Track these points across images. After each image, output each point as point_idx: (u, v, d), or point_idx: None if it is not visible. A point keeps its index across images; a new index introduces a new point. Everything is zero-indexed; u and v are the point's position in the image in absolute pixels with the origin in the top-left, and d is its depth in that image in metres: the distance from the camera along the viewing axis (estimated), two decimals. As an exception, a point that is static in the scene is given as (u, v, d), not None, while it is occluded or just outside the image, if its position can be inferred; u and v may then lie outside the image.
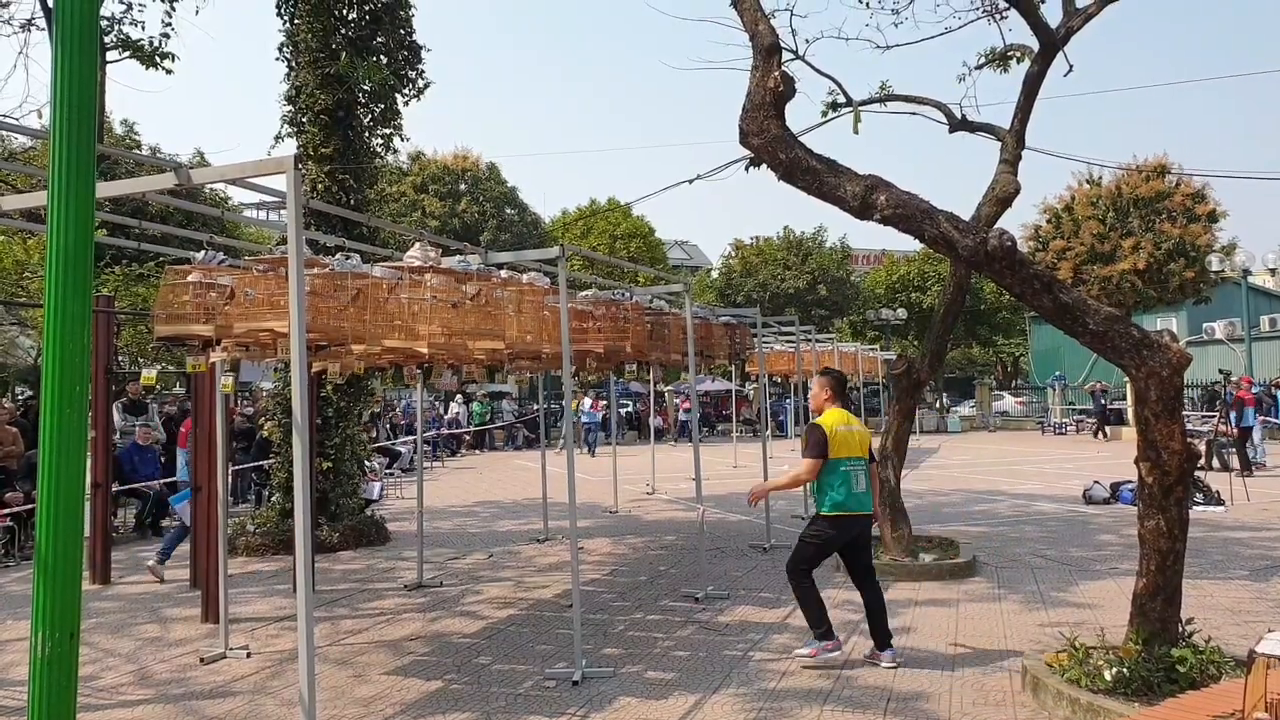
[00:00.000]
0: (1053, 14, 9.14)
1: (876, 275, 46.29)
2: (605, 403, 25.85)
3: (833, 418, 6.26)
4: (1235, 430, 16.78)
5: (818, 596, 6.23)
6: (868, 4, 11.21)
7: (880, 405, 29.74)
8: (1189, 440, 5.37)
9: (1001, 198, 9.20)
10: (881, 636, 6.21)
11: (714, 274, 48.33)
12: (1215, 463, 16.61)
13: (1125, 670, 5.09)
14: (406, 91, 12.29)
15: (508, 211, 39.61)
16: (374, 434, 19.82)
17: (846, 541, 6.25)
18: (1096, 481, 14.19)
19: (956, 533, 10.69)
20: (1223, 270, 25.35)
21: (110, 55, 16.14)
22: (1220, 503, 12.88)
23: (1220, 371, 18.36)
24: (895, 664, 6.08)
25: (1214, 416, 18.38)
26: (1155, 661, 5.09)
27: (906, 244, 53.28)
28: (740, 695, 5.63)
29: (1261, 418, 18.80)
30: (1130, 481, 12.87)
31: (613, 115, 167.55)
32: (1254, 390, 19.46)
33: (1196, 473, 8.62)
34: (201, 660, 6.59)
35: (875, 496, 6.36)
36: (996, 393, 41.34)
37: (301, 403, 4.34)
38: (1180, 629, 5.42)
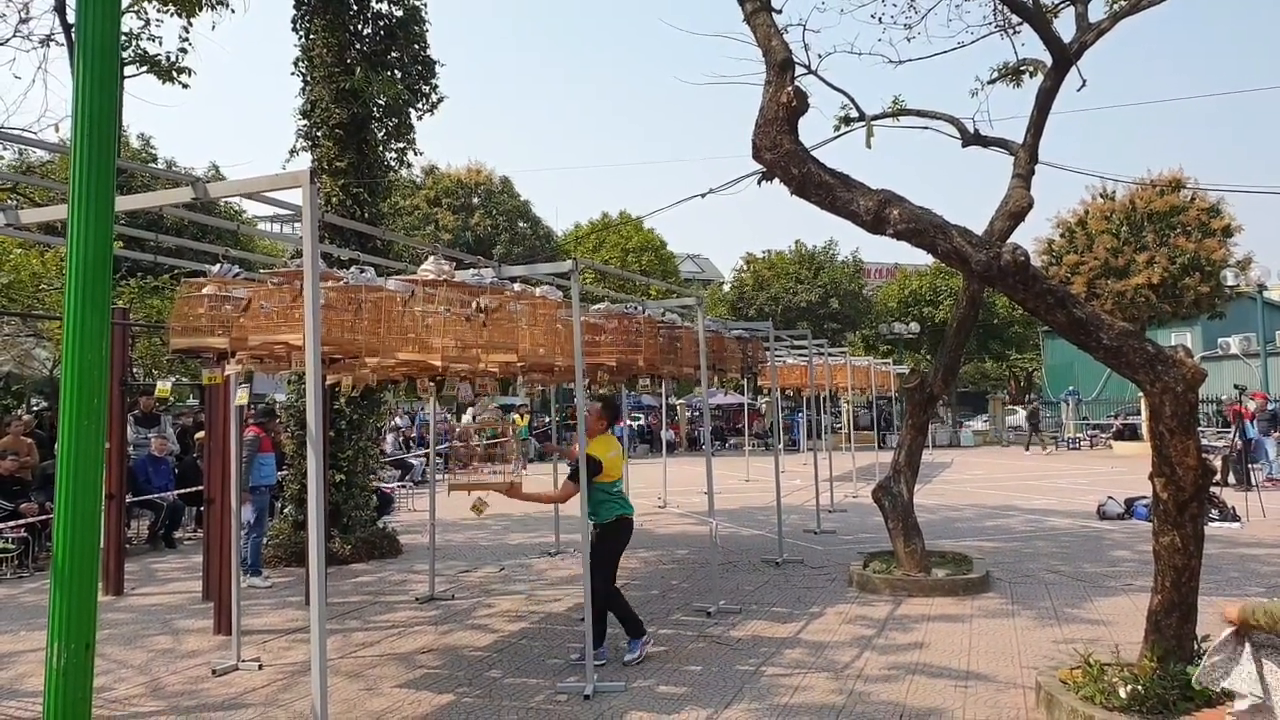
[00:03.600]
0: (1066, 29, 9.14)
1: (889, 289, 46.20)
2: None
3: (604, 445, 6.98)
4: (1240, 444, 16.70)
5: (625, 600, 6.96)
6: (880, 19, 11.23)
7: (893, 420, 29.64)
8: (1204, 456, 5.34)
9: (1014, 212, 9.19)
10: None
11: (726, 287, 48.32)
12: (1230, 479, 16.49)
13: (1140, 687, 5.05)
14: (420, 106, 12.38)
15: (520, 225, 39.74)
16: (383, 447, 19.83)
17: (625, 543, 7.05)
18: (1110, 497, 14.10)
19: (970, 548, 10.65)
20: (1238, 285, 25.24)
21: (127, 70, 16.30)
22: (1236, 519, 12.78)
23: (1235, 387, 18.24)
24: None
25: (1229, 432, 18.26)
26: (1171, 679, 5.05)
27: (919, 258, 53.25)
28: (753, 710, 5.61)
29: (1277, 434, 18.67)
30: (1144, 497, 12.79)
31: (625, 129, 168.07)
32: (1270, 406, 19.33)
33: (1212, 489, 8.55)
34: (214, 672, 6.61)
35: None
36: (1009, 407, 41.16)
37: (315, 415, 4.36)
38: (1196, 646, 5.37)
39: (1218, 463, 15.83)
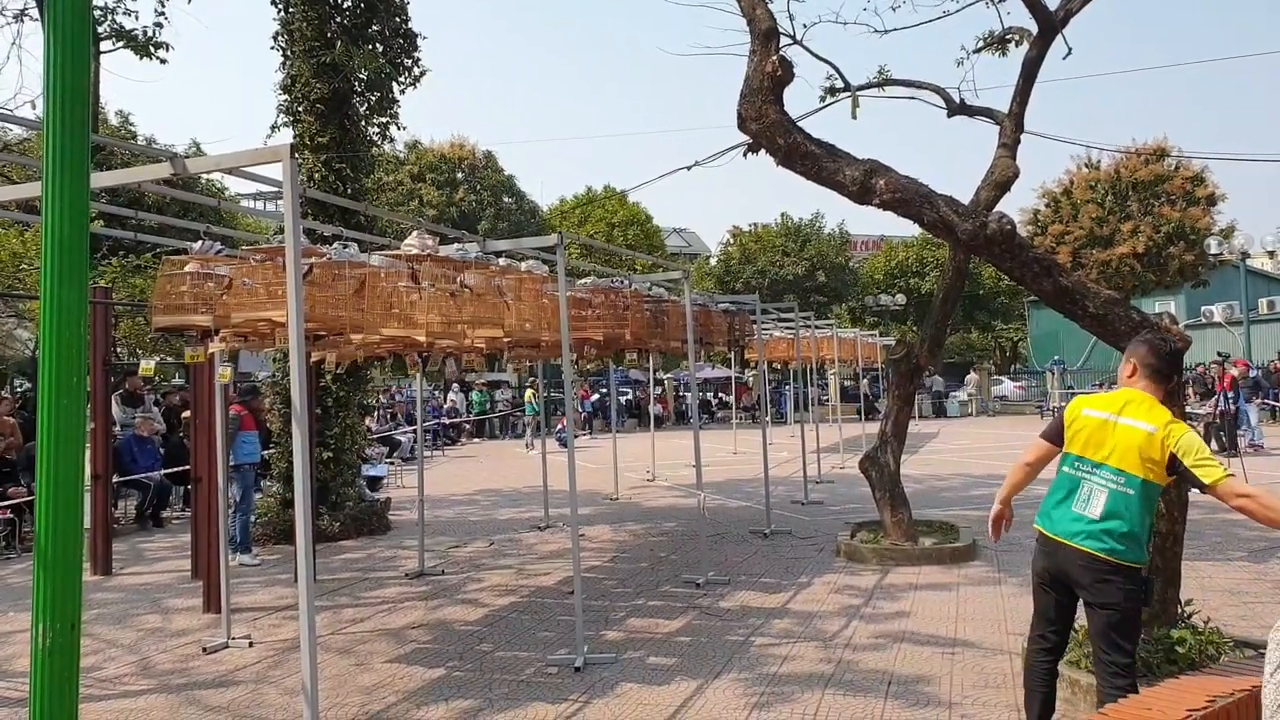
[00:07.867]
0: (1051, -4, 9.07)
1: (875, 261, 46.32)
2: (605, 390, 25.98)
3: (1100, 399, 4.29)
4: (1234, 410, 16.86)
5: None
6: (865, -12, 11.15)
7: (880, 391, 29.75)
8: (1188, 423, 5.37)
9: (1000, 182, 9.15)
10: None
11: (713, 261, 48.31)
12: (1214, 445, 16.65)
13: (1125, 652, 5.09)
14: (402, 80, 12.25)
15: (505, 200, 39.57)
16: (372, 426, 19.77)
17: (1052, 576, 4.15)
18: (1096, 465, 14.18)
19: (956, 517, 10.71)
20: (1221, 253, 25.32)
21: (104, 45, 16.06)
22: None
23: (1218, 354, 18.38)
24: None
25: (1212, 399, 18.41)
26: (1155, 643, 5.10)
27: (905, 229, 53.28)
28: (742, 680, 5.65)
29: (1260, 400, 18.84)
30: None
31: (609, 102, 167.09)
32: (1250, 374, 19.50)
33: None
34: (204, 650, 6.61)
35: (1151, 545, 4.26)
36: (996, 377, 41.37)
37: (301, 392, 4.33)
38: (1179, 610, 5.43)
39: (1201, 429, 15.96)
